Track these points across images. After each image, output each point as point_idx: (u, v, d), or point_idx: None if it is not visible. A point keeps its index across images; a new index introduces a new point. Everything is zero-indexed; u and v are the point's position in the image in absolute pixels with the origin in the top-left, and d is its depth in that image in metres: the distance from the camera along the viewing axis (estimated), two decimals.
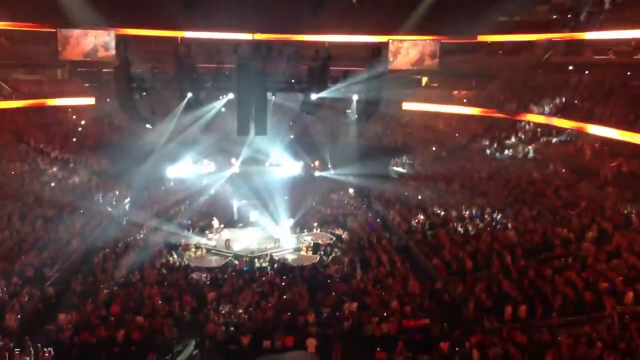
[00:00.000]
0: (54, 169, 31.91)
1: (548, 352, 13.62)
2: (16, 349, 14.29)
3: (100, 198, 29.11)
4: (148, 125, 25.20)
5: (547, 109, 33.90)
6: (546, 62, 39.36)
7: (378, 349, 15.05)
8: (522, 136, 34.75)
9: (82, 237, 23.59)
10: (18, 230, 22.92)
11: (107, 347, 15.32)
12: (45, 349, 14.56)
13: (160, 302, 17.67)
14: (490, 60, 42.09)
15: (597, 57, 36.65)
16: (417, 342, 15.62)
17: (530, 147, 32.78)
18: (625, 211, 22.10)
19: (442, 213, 26.46)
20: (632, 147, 26.20)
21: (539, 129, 33.87)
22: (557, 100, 33.92)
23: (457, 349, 14.74)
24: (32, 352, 14.37)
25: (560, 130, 32.12)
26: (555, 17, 40.10)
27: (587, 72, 36.08)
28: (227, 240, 24.99)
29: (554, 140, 32.39)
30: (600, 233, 20.73)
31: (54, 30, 26.71)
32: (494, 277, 18.72)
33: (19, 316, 16.43)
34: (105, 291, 18.50)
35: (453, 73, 39.79)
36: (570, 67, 37.67)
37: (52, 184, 29.65)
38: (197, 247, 24.46)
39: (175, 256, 23.16)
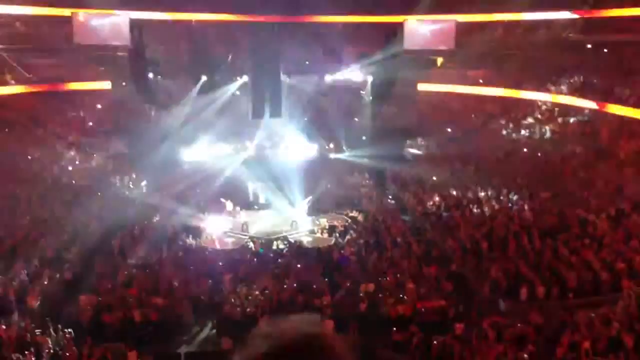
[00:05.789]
0: (71, 153, 32.20)
1: (564, 332, 13.60)
2: (37, 330, 14.57)
3: (117, 181, 29.36)
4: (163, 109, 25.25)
5: (564, 88, 33.45)
6: (564, 40, 38.71)
7: (394, 329, 15.14)
8: (539, 116, 34.37)
9: (100, 220, 23.84)
10: (37, 214, 23.23)
11: (126, 328, 15.58)
12: (65, 330, 14.84)
13: (177, 283, 17.87)
14: (507, 39, 41.47)
15: (617, 35, 35.96)
16: (433, 323, 15.68)
17: (547, 127, 32.42)
18: None
19: (458, 194, 26.34)
20: None
21: (556, 109, 33.46)
22: (575, 79, 33.44)
23: (472, 330, 14.77)
24: (53, 333, 14.65)
25: (578, 110, 31.73)
26: None
27: (605, 50, 35.45)
28: (245, 223, 25.11)
29: (572, 120, 31.99)
30: (617, 213, 20.55)
31: (69, 14, 26.74)
32: (510, 258, 18.66)
33: (39, 298, 16.73)
34: (123, 273, 18.75)
35: (469, 53, 39.31)
36: (589, 45, 37.02)
37: (70, 168, 29.95)
38: (214, 229, 24.61)
39: (191, 238, 23.34)
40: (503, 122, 35.80)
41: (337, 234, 24.12)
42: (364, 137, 34.60)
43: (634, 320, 13.79)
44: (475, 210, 24.07)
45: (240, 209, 26.98)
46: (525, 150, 30.37)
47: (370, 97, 26.52)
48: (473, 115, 39.03)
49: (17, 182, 25.82)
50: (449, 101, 40.56)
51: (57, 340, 14.46)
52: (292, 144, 35.56)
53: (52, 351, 13.93)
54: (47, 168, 29.17)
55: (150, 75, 30.83)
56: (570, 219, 20.79)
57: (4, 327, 14.45)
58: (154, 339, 15.27)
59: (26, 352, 13.32)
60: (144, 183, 30.28)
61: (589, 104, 30.21)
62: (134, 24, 25.56)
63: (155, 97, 23.83)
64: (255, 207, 27.89)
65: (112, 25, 26.90)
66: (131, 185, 29.56)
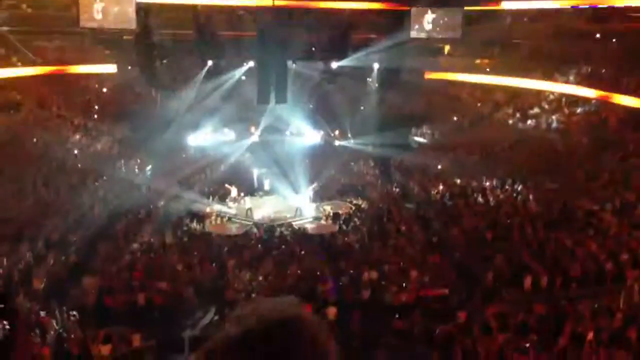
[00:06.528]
0: (77, 136, 32.19)
1: (567, 322, 13.60)
2: (42, 312, 14.67)
3: (123, 165, 29.40)
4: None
5: (572, 78, 33.23)
6: (572, 29, 38.38)
7: (396, 317, 15.17)
8: (546, 106, 34.19)
9: (105, 204, 23.91)
10: (43, 197, 23.30)
11: (130, 311, 15.67)
12: (70, 312, 14.93)
13: (181, 268, 17.94)
14: (514, 27, 41.14)
15: (626, 24, 35.62)
16: (435, 311, 15.71)
17: (554, 117, 32.26)
18: None
19: (463, 183, 26.30)
20: None
21: (563, 99, 33.28)
22: (583, 69, 33.21)
23: (475, 318, 14.79)
24: (57, 315, 14.73)
25: (585, 100, 31.55)
26: None
27: (613, 39, 35.16)
28: (249, 208, 25.15)
29: (579, 110, 31.82)
30: (622, 204, 20.49)
31: None
32: (514, 247, 18.65)
33: (44, 280, 16.82)
34: (127, 257, 18.83)
35: (476, 41, 39.02)
36: (597, 35, 36.71)
37: (75, 151, 29.97)
38: (218, 215, 24.69)
39: (196, 223, 23.41)
40: (510, 111, 35.63)
41: (341, 221, 24.14)
42: (369, 125, 34.47)
43: (638, 312, 13.79)
44: (479, 200, 24.03)
45: (245, 195, 27.01)
46: (531, 140, 30.19)
47: (377, 85, 26.35)
48: (479, 104, 38.86)
49: (22, 165, 25.86)
50: (456, 90, 40.38)
51: (62, 322, 14.55)
52: (297, 131, 35.51)
53: (57, 333, 14.02)
54: (53, 151, 29.15)
55: (156, 59, 30.75)
56: (575, 210, 20.73)
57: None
58: (157, 323, 15.34)
59: (31, 334, 13.40)
60: (149, 167, 30.30)
61: (596, 94, 30.01)
62: (140, 7, 25.44)
63: (161, 81, 23.71)
64: (260, 193, 27.91)
65: (118, 8, 26.69)
66: (136, 170, 29.57)
